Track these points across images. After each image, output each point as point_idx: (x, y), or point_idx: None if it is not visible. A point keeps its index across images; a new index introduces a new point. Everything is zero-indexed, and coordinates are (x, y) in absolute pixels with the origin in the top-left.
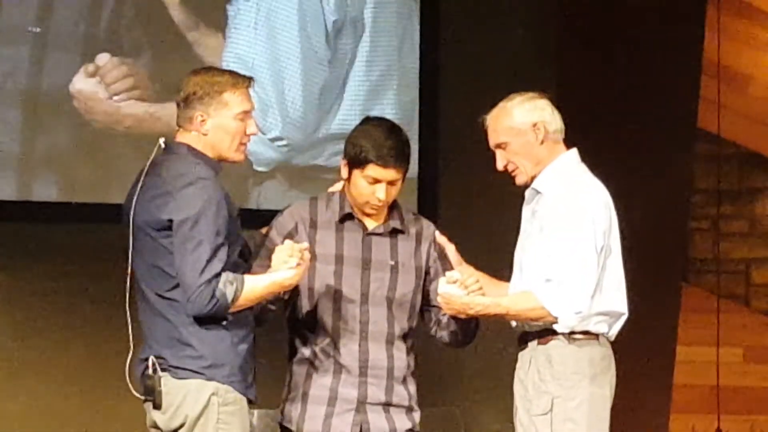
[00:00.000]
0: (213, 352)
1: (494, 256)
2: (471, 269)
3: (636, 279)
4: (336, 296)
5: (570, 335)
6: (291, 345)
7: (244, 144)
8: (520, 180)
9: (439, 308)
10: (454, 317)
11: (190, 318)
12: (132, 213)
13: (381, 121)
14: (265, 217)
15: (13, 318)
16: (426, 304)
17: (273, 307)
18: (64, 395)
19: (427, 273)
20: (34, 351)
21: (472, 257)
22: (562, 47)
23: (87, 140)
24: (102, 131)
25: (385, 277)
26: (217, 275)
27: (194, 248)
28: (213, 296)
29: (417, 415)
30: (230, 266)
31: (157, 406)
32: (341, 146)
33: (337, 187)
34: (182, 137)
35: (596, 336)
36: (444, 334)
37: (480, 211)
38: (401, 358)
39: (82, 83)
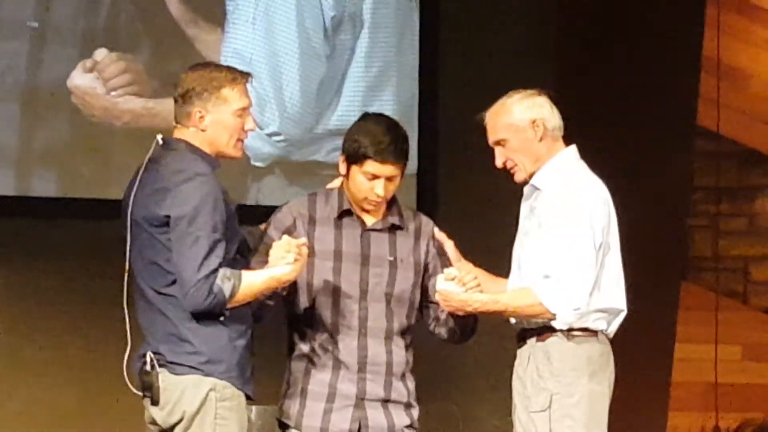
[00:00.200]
0: (211, 348)
1: (493, 253)
2: (469, 266)
3: (635, 276)
4: (335, 292)
5: (569, 332)
6: (290, 341)
7: (242, 140)
8: (518, 177)
9: (438, 305)
10: (452, 314)
11: (188, 314)
12: (130, 209)
13: (379, 117)
14: (264, 212)
15: (9, 313)
16: (425, 300)
17: (271, 303)
18: (61, 391)
19: (425, 269)
20: (31, 346)
21: (470, 253)
22: (562, 44)
23: (85, 135)
24: (100, 126)
25: (384, 273)
26: (215, 271)
27: (192, 244)
28: (210, 292)
29: (416, 412)
30: (228, 262)
31: (155, 402)
32: (340, 142)
33: (336, 183)
34: (180, 133)
35: (595, 333)
36: (442, 331)
37: (479, 208)
38: (400, 354)
39: (79, 79)
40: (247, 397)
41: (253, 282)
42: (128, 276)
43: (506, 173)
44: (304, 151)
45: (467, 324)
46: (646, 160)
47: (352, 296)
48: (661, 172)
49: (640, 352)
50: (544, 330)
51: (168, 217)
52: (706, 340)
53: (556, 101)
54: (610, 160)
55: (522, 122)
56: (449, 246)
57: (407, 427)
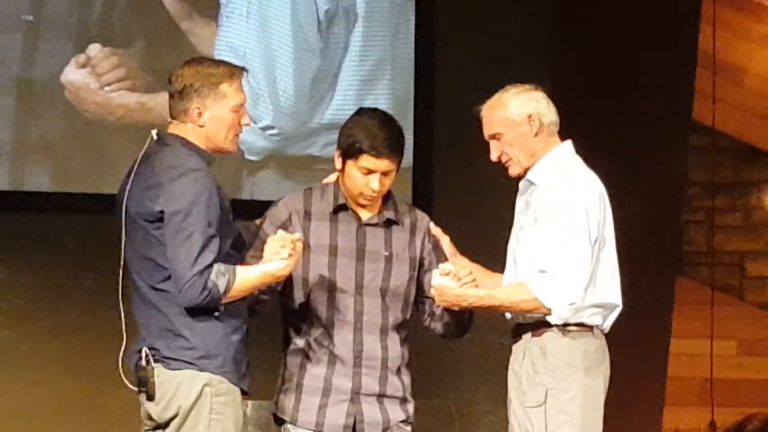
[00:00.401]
0: (206, 343)
1: (488, 248)
2: (465, 261)
3: (630, 271)
4: (330, 287)
5: (564, 327)
6: (285, 335)
7: (238, 135)
8: (513, 171)
9: (433, 300)
10: (447, 309)
11: (183, 309)
12: (124, 204)
13: (375, 111)
14: (259, 207)
15: (4, 308)
16: (420, 295)
17: (266, 298)
18: (57, 386)
19: (421, 264)
20: (26, 341)
21: (466, 248)
22: (558, 39)
23: (79, 130)
24: (94, 121)
25: (380, 268)
26: (209, 266)
27: (186, 239)
28: (205, 287)
29: (411, 406)
30: (222, 257)
31: (150, 398)
32: (335, 136)
33: (332, 178)
34: (175, 129)
35: (590, 328)
36: (438, 326)
37: (474, 202)
38: (395, 349)
39: (73, 74)
40: (243, 392)
41: (247, 277)
42: (123, 271)
43: (502, 168)
44: (299, 145)
45: (462, 319)
46: (641, 154)
47: (348, 291)
48: (656, 167)
49: (635, 347)
50: (540, 325)
51: (162, 212)
52: (701, 335)
53: (552, 96)
54: (606, 156)
55: (518, 117)
56: (445, 241)
57: (402, 421)
